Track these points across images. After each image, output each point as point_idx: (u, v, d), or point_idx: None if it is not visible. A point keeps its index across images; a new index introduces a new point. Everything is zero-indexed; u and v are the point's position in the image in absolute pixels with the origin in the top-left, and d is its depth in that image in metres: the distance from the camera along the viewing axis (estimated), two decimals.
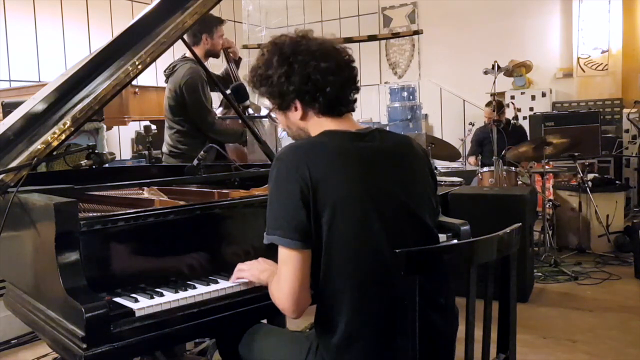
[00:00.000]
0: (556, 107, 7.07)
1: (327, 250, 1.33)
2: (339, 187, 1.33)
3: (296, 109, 1.47)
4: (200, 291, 1.50)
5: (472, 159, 5.90)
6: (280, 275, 1.35)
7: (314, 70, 1.41)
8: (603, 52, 6.99)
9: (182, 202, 1.79)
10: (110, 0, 6.65)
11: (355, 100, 1.51)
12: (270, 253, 1.39)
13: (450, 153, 5.40)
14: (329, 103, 1.44)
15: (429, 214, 1.47)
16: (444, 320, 1.42)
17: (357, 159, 1.39)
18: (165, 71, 3.20)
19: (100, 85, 1.80)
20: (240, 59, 3.40)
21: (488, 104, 5.70)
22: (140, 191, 2.17)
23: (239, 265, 1.58)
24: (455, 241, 1.96)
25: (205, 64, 3.16)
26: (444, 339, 1.42)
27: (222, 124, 3.20)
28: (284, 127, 1.57)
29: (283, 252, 1.33)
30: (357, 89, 1.51)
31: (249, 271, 1.54)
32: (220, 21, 3.18)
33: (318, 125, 1.46)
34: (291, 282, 1.32)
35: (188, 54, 3.12)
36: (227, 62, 3.30)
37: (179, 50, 2.84)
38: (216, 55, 3.23)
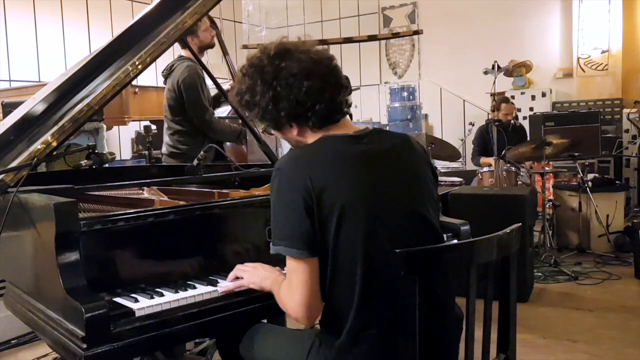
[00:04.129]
0: (556, 107, 7.07)
1: (333, 254, 1.33)
2: (342, 192, 1.33)
3: (291, 126, 1.46)
4: (200, 291, 1.50)
5: (491, 160, 5.33)
6: (292, 284, 1.35)
7: (299, 92, 1.39)
8: (603, 52, 6.98)
9: (182, 202, 1.79)
10: (110, 0, 6.65)
11: (347, 102, 1.49)
12: (278, 259, 1.39)
13: (450, 153, 5.39)
14: (322, 118, 1.43)
15: (433, 213, 1.46)
16: (447, 323, 1.42)
17: (358, 162, 1.38)
18: (163, 72, 3.20)
19: (100, 85, 1.80)
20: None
21: (507, 101, 5.61)
22: (140, 191, 2.17)
23: (236, 271, 1.57)
24: (455, 241, 1.96)
25: (206, 62, 3.16)
26: (446, 342, 1.42)
27: (221, 123, 3.20)
28: (283, 139, 1.57)
29: (291, 262, 1.34)
30: (346, 90, 1.48)
31: (248, 279, 1.53)
32: None
33: (316, 137, 1.45)
34: (302, 290, 1.33)
35: (184, 54, 3.12)
36: (223, 55, 3.30)
37: (179, 50, 2.84)
38: (211, 46, 3.22)
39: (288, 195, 1.33)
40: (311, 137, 1.46)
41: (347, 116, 1.52)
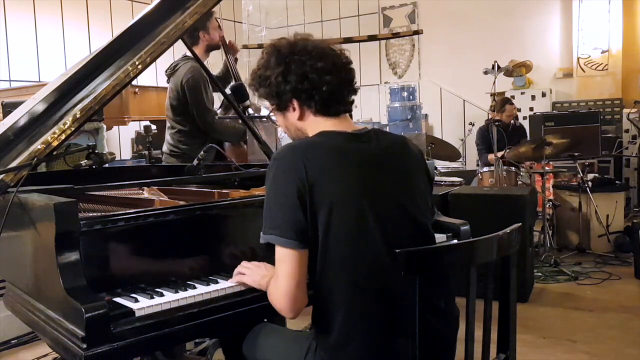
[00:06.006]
0: (556, 107, 7.07)
1: (322, 250, 1.34)
2: (335, 187, 1.34)
3: (294, 109, 1.48)
4: (200, 291, 1.50)
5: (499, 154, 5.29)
6: (278, 274, 1.35)
7: (310, 69, 1.42)
8: (603, 52, 6.98)
9: (182, 202, 1.79)
10: (110, 0, 6.65)
11: (352, 102, 1.52)
12: (270, 252, 1.39)
13: (450, 153, 5.39)
14: (325, 101, 1.45)
15: (425, 214, 1.48)
16: (444, 322, 1.42)
17: (353, 160, 1.40)
18: (166, 71, 3.20)
19: (100, 85, 1.80)
20: (236, 59, 3.39)
21: (511, 103, 5.64)
22: (140, 191, 2.17)
23: (240, 268, 1.57)
24: (455, 241, 1.96)
25: (207, 60, 3.16)
26: (443, 341, 1.42)
27: (223, 123, 3.20)
28: (284, 128, 1.58)
29: (280, 252, 1.34)
30: (354, 91, 1.52)
31: (250, 276, 1.54)
32: (210, 14, 3.16)
33: (315, 125, 1.47)
34: (288, 281, 1.33)
35: (189, 53, 3.12)
36: (225, 54, 3.29)
37: (179, 50, 2.84)
38: (217, 47, 3.22)
39: (283, 185, 1.34)
40: (311, 124, 1.48)
41: (349, 115, 1.53)
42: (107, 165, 2.30)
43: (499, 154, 4.80)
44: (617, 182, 5.44)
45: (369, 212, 1.35)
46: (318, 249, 1.34)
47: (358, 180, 1.37)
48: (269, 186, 1.37)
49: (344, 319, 1.34)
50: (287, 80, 1.44)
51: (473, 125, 6.20)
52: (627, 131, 6.64)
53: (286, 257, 1.33)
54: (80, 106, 1.75)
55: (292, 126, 1.52)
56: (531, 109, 7.04)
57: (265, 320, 1.70)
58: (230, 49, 3.27)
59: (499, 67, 5.15)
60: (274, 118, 1.60)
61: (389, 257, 1.32)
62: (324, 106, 1.46)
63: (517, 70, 6.95)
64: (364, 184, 1.38)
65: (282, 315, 1.41)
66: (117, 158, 5.51)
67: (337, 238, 1.33)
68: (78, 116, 1.73)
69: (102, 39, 4.26)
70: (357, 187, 1.36)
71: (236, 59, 3.39)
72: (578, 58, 7.12)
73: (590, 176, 5.21)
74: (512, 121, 5.56)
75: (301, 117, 1.49)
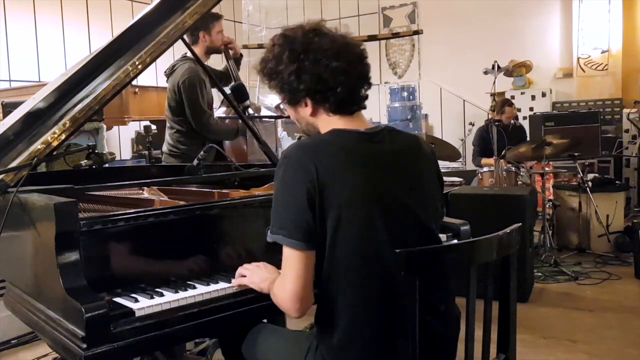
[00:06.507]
0: (556, 107, 7.07)
1: (330, 251, 1.33)
2: (345, 189, 1.32)
3: (306, 105, 1.45)
4: (200, 291, 1.50)
5: (492, 160, 5.27)
6: (285, 274, 1.35)
7: (325, 70, 1.38)
8: (603, 52, 6.99)
9: (182, 202, 1.79)
10: (110, 0, 6.65)
11: (366, 97, 1.50)
12: (270, 252, 1.39)
13: (450, 153, 5.38)
14: (340, 102, 1.43)
15: (433, 218, 1.46)
16: (444, 323, 1.42)
17: (364, 161, 1.37)
18: (165, 71, 3.21)
19: (100, 85, 1.80)
20: (241, 55, 3.39)
21: (510, 104, 5.64)
22: (140, 191, 2.17)
23: (241, 270, 1.57)
24: (455, 241, 1.96)
25: (207, 61, 3.16)
26: (444, 343, 1.42)
27: (217, 124, 3.19)
28: (294, 119, 1.55)
29: (287, 252, 1.33)
30: (369, 85, 1.49)
31: (249, 278, 1.53)
32: (216, 17, 3.16)
33: (327, 123, 1.45)
34: (294, 281, 1.32)
35: (188, 53, 3.12)
36: (226, 59, 3.29)
37: (179, 50, 2.84)
38: (217, 51, 3.22)
39: (292, 184, 1.32)
40: (323, 122, 1.45)
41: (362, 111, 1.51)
42: (107, 165, 2.30)
43: (494, 159, 4.79)
44: (617, 182, 5.43)
45: (377, 215, 1.34)
46: (325, 249, 1.33)
47: (368, 182, 1.35)
48: (277, 184, 1.36)
49: (349, 320, 1.33)
50: (301, 79, 1.40)
51: (473, 125, 6.20)
52: (627, 131, 6.64)
53: (293, 257, 1.32)
54: (80, 106, 1.75)
55: (303, 120, 1.50)
56: (531, 109, 7.04)
57: (265, 320, 1.70)
58: (229, 51, 3.26)
59: (499, 67, 5.15)
60: (282, 107, 1.58)
61: (394, 259, 1.31)
62: (339, 107, 1.43)
63: (517, 70, 6.96)
64: (373, 186, 1.36)
65: (282, 315, 1.41)
66: (117, 158, 5.50)
67: (345, 240, 1.32)
68: (78, 116, 1.73)
69: (102, 39, 4.26)
70: (366, 190, 1.35)
71: (241, 55, 3.38)
72: (578, 58, 7.13)
73: (590, 176, 5.21)
74: (512, 121, 5.57)
75: (314, 114, 1.46)
